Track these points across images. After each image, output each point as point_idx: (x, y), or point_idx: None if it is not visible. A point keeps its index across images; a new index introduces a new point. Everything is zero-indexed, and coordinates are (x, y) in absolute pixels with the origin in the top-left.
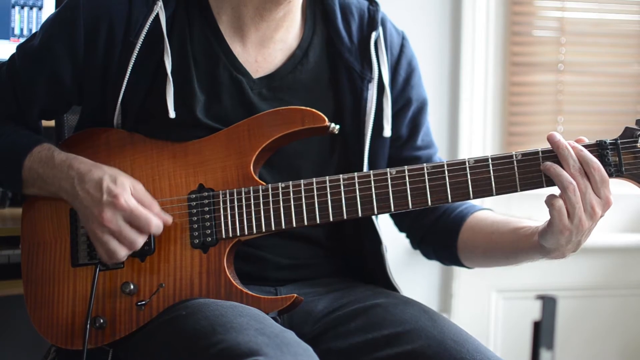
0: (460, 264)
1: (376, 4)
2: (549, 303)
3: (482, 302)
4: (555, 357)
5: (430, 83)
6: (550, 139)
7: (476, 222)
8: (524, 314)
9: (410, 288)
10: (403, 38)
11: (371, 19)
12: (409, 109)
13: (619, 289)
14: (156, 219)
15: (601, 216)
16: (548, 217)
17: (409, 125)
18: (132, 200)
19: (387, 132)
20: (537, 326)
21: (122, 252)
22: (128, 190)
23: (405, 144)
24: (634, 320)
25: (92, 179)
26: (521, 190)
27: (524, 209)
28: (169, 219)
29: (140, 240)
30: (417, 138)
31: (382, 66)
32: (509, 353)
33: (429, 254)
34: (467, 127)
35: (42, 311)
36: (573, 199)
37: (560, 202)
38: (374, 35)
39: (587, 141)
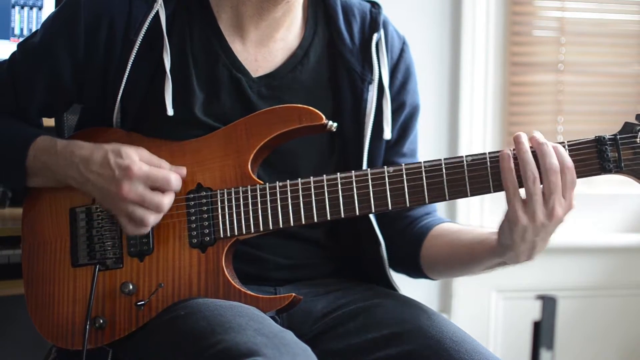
0: (424, 275)
1: (378, 6)
2: (549, 303)
3: (482, 302)
4: (555, 357)
5: (430, 83)
6: (532, 140)
7: (439, 233)
8: (524, 314)
9: (410, 288)
10: (404, 43)
11: (373, 21)
12: (401, 113)
13: (619, 289)
14: (174, 175)
15: (562, 220)
16: None
17: (399, 129)
18: (145, 165)
19: (387, 134)
20: (537, 326)
21: (152, 218)
22: (136, 158)
23: (391, 147)
24: (634, 320)
25: (96, 161)
26: (519, 187)
27: None
28: (183, 171)
29: (166, 201)
30: (403, 144)
31: (382, 68)
32: (509, 353)
33: (395, 266)
34: (467, 127)
35: (43, 311)
36: (532, 188)
37: (516, 185)
38: (375, 37)
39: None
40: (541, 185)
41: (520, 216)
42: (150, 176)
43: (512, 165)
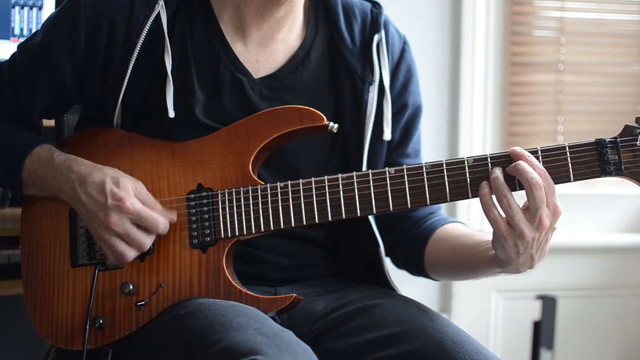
0: (426, 276)
1: (379, 6)
2: (549, 303)
3: (482, 302)
4: (555, 357)
5: (430, 83)
6: (511, 153)
7: (444, 234)
8: (524, 314)
9: (410, 288)
10: (404, 43)
11: (374, 22)
12: (404, 114)
13: (619, 289)
14: (163, 219)
15: (552, 227)
16: None
17: (402, 130)
18: (138, 202)
19: (387, 135)
20: (537, 326)
21: (131, 254)
22: (132, 192)
23: (395, 148)
24: (634, 320)
25: (93, 182)
26: (520, 189)
27: None
28: (174, 217)
29: (148, 242)
30: (407, 145)
31: (383, 69)
32: (509, 353)
33: (398, 263)
34: (467, 127)
35: (42, 312)
36: (510, 212)
37: (495, 212)
38: (376, 37)
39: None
40: (519, 203)
41: (507, 237)
42: (140, 215)
43: (492, 199)
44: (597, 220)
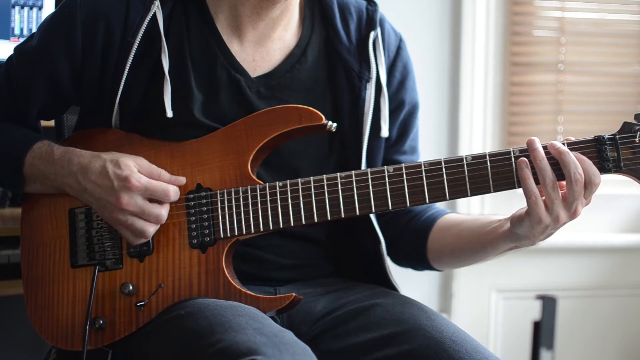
0: (429, 266)
1: (374, 4)
2: (549, 303)
3: (482, 302)
4: (555, 357)
5: (430, 83)
6: (551, 148)
7: (446, 222)
8: (524, 314)
9: (410, 288)
10: (400, 40)
11: (369, 19)
12: (401, 112)
13: (619, 289)
14: (172, 187)
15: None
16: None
17: (399, 127)
18: (143, 177)
19: (385, 132)
20: (537, 326)
21: (151, 229)
22: (135, 169)
23: (392, 146)
24: (634, 320)
25: (95, 170)
26: (519, 187)
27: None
28: (183, 180)
29: (164, 212)
30: (404, 142)
31: (379, 66)
32: (509, 353)
33: (399, 259)
34: (467, 127)
35: (42, 312)
36: (552, 194)
37: (537, 195)
38: (372, 35)
39: (572, 139)
40: (562, 191)
41: (543, 218)
42: (148, 188)
43: (530, 173)
44: (597, 220)
